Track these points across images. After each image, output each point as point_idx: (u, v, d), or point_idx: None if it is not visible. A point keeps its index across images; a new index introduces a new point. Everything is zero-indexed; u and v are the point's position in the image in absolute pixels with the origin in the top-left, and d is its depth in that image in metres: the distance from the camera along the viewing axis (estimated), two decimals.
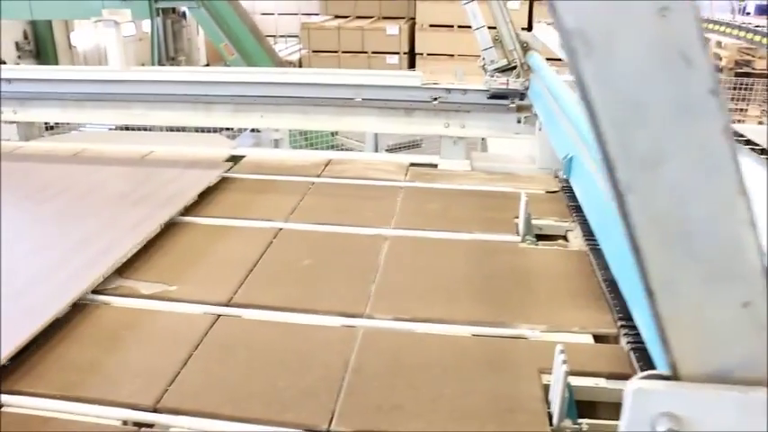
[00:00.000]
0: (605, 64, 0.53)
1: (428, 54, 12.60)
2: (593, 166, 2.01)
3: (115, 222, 2.83)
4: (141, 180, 3.37)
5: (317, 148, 6.76)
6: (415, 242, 2.76)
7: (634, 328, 2.05)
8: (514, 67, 3.65)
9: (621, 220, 0.61)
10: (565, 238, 2.92)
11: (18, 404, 1.78)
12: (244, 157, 3.88)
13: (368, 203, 3.14)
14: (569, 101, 2.56)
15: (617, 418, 1.80)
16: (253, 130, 6.82)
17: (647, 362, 1.88)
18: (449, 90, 3.79)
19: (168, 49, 9.38)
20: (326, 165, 3.70)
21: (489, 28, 3.68)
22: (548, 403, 1.78)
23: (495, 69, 3.66)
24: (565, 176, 2.32)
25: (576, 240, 2.81)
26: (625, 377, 1.86)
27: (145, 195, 3.14)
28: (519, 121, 3.76)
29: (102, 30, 5.89)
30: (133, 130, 5.31)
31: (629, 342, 1.99)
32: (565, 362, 1.69)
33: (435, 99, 3.80)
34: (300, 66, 12.52)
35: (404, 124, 3.90)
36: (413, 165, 3.73)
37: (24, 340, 1.94)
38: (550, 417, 1.73)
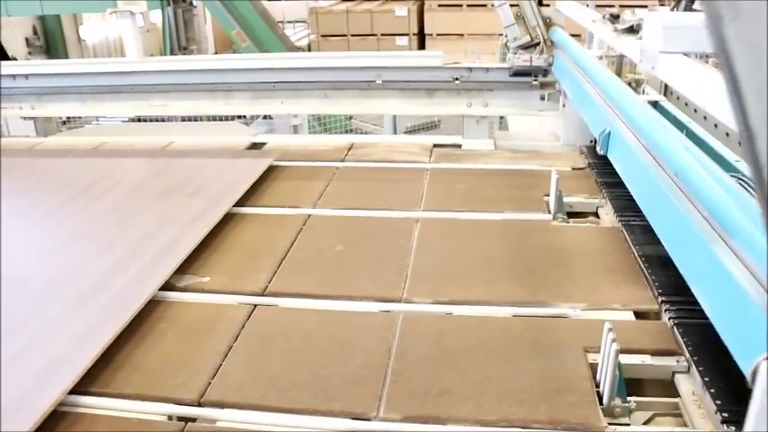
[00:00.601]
0: (753, 28, 0.49)
1: (437, 34, 12.48)
2: (634, 140, 1.96)
3: (174, 216, 2.78)
4: (192, 172, 3.31)
5: (333, 133, 6.72)
6: (445, 224, 2.73)
7: (675, 303, 2.02)
8: (538, 44, 3.58)
9: (758, 193, 0.58)
10: (596, 214, 2.88)
11: (62, 402, 1.77)
12: (264, 144, 3.86)
13: (395, 186, 3.11)
14: (603, 75, 2.50)
15: (662, 395, 1.79)
16: (266, 117, 6.79)
17: (691, 337, 1.85)
18: (470, 69, 3.74)
19: (180, 39, 9.33)
20: (349, 149, 3.67)
21: (511, 5, 3.61)
22: (596, 382, 1.75)
23: (518, 46, 3.60)
24: (602, 152, 2.28)
25: (608, 217, 2.77)
26: (670, 354, 1.86)
27: (198, 187, 3.10)
28: (542, 98, 3.70)
29: (114, 22, 5.86)
30: (147, 121, 5.31)
31: (671, 318, 1.96)
32: (614, 340, 1.66)
33: (457, 79, 3.75)
34: (309, 51, 12.44)
35: (425, 105, 3.86)
36: (436, 146, 3.70)
37: (107, 342, 1.91)
38: (599, 395, 1.70)
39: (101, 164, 3.53)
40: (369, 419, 1.65)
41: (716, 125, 2.49)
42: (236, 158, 3.47)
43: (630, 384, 1.77)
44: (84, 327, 2.00)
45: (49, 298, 2.18)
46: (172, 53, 9.03)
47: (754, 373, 0.79)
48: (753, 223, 1.22)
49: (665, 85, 3.14)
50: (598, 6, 4.73)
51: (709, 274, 1.37)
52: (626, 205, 2.73)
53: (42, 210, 2.96)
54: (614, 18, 2.55)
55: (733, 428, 1.52)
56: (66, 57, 11.13)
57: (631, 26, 2.37)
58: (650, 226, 2.50)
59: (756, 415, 0.80)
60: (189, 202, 2.93)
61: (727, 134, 2.36)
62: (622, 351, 1.77)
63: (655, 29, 1.98)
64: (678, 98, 3.01)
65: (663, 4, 5.29)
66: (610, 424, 1.63)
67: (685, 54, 1.87)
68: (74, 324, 2.02)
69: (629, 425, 1.67)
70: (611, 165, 3.06)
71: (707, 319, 1.90)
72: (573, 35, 3.47)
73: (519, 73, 3.67)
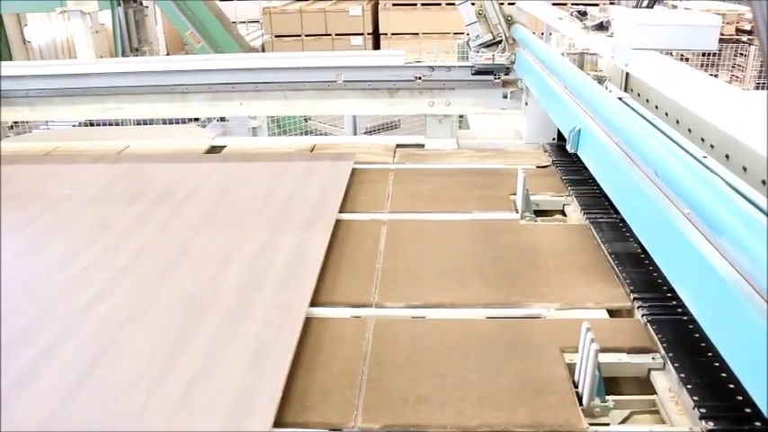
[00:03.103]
0: None
1: (392, 34, 12.48)
2: (607, 138, 1.95)
3: (283, 223, 2.65)
4: (275, 176, 3.16)
5: (291, 135, 6.64)
6: (413, 225, 2.69)
7: (647, 300, 2.02)
8: (499, 42, 3.58)
9: None
10: (562, 212, 2.88)
11: None
12: (224, 147, 3.77)
13: (359, 188, 3.06)
14: (570, 72, 2.50)
15: (638, 393, 1.79)
16: (221, 120, 6.67)
17: (665, 334, 1.85)
18: (432, 68, 3.71)
19: (131, 40, 9.09)
20: (311, 150, 3.62)
21: (472, 3, 3.59)
22: (574, 383, 1.73)
23: (480, 44, 3.59)
24: (573, 150, 2.27)
25: (575, 214, 2.78)
26: (646, 351, 1.85)
27: (292, 192, 2.96)
28: (505, 96, 3.70)
29: (62, 23, 5.67)
30: (98, 125, 5.16)
31: (644, 315, 1.96)
32: (593, 340, 1.64)
33: (419, 78, 3.72)
34: (263, 52, 12.30)
35: (387, 105, 3.82)
36: (399, 146, 3.66)
37: (287, 368, 1.77)
38: (578, 396, 1.68)
39: (155, 169, 3.33)
40: (346, 430, 1.61)
41: (678, 121, 2.50)
42: (313, 161, 3.37)
43: (606, 383, 1.76)
44: (251, 351, 1.85)
45: (195, 316, 2.02)
46: (123, 55, 8.82)
47: None
48: (739, 221, 1.21)
49: (626, 82, 3.15)
50: (554, 5, 4.75)
51: (694, 274, 1.36)
52: (592, 202, 2.75)
53: (127, 219, 2.73)
54: (582, 15, 2.54)
55: (711, 424, 1.52)
56: (11, 59, 10.78)
57: (601, 23, 2.37)
58: (617, 223, 2.53)
59: None
60: (289, 207, 2.81)
61: (690, 130, 2.37)
62: (600, 350, 1.77)
63: (627, 26, 1.97)
64: (639, 94, 3.03)
65: (612, 2, 5.36)
66: (590, 425, 1.61)
67: (659, 50, 1.88)
68: (238, 348, 1.87)
69: (608, 425, 1.66)
70: (575, 162, 3.09)
71: (679, 315, 1.92)
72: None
73: (481, 71, 3.66)
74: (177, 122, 5.16)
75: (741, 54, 8.20)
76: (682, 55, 6.42)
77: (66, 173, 3.31)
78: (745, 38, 8.05)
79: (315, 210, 2.76)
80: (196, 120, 5.97)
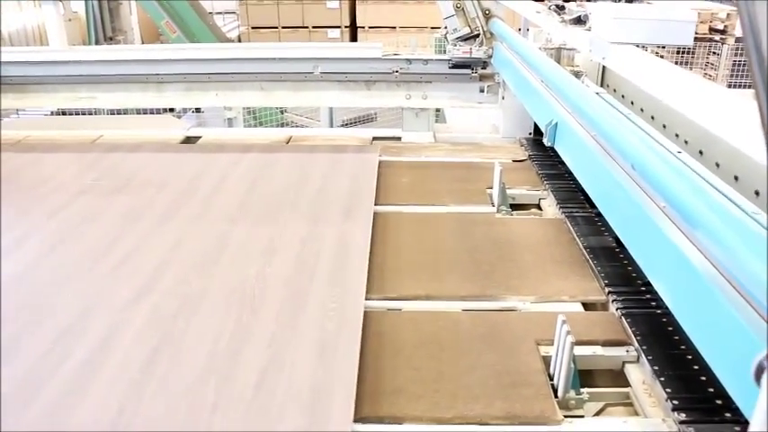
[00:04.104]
0: None
1: (370, 27, 12.45)
2: (583, 131, 1.96)
3: (320, 215, 2.62)
4: (301, 167, 3.13)
5: (267, 127, 6.59)
6: (390, 218, 2.68)
7: (622, 294, 2.04)
8: (477, 36, 3.58)
9: None
10: (538, 206, 2.90)
11: None
12: (199, 137, 3.74)
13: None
14: (547, 67, 2.51)
15: (612, 385, 1.81)
16: (197, 110, 6.61)
17: (639, 327, 1.87)
18: (410, 61, 3.70)
19: (105, 29, 8.95)
20: (288, 142, 3.60)
21: None
22: (549, 375, 1.74)
23: (458, 38, 3.59)
24: (549, 144, 2.28)
25: (551, 208, 2.79)
26: (620, 344, 1.87)
27: (323, 184, 2.93)
28: (482, 90, 3.70)
29: (33, 10, 5.57)
30: (71, 114, 5.09)
31: (619, 309, 1.98)
32: (569, 333, 1.65)
33: (396, 71, 3.71)
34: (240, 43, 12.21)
35: (364, 97, 3.81)
36: (376, 138, 3.66)
37: (356, 364, 1.74)
38: (553, 388, 1.69)
39: (168, 160, 3.26)
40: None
41: (653, 117, 2.52)
42: (338, 153, 3.34)
43: (581, 375, 1.77)
44: (316, 346, 1.81)
45: (250, 310, 1.97)
46: (97, 44, 8.68)
47: (760, 371, 0.77)
48: (715, 214, 1.22)
49: (602, 78, 3.17)
50: None
51: (670, 267, 1.37)
52: (568, 196, 2.76)
53: (160, 210, 2.67)
54: (560, 9, 2.55)
55: (683, 416, 1.54)
56: None
57: (579, 17, 2.38)
58: (593, 217, 2.55)
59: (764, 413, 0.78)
60: (325, 199, 2.78)
61: (665, 126, 2.39)
62: (575, 343, 1.78)
63: (605, 20, 1.99)
64: (615, 90, 3.05)
65: None
66: (565, 417, 1.62)
67: (636, 45, 1.89)
68: (302, 343, 1.82)
69: (583, 416, 1.67)
70: (551, 156, 3.11)
71: (653, 309, 1.94)
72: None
73: (458, 65, 3.66)
74: (152, 112, 5.10)
75: (714, 53, 8.30)
76: (656, 52, 6.48)
77: (81, 162, 3.25)
78: (717, 37, 8.15)
79: (351, 202, 2.75)
80: (171, 110, 5.91)
